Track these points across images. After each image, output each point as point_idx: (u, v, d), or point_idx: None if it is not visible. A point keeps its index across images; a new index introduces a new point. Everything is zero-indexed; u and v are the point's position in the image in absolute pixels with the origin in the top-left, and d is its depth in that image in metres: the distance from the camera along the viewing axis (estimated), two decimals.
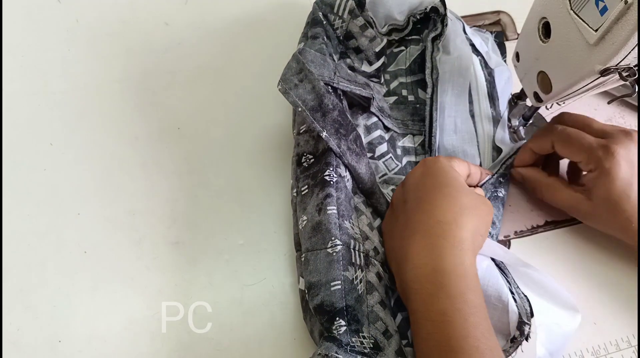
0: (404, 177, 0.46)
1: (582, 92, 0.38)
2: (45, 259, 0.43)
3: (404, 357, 0.37)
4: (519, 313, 0.37)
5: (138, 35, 0.54)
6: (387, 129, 0.48)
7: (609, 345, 0.42)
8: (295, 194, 0.43)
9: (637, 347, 0.42)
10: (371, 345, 0.36)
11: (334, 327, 0.35)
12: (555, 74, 0.38)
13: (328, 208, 0.39)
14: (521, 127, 0.49)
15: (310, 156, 0.43)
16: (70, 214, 0.45)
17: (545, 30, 0.38)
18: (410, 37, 0.52)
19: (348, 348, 0.35)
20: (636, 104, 0.53)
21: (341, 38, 0.48)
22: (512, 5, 0.57)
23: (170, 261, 0.43)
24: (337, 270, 0.37)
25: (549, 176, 0.45)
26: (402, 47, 0.52)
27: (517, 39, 0.55)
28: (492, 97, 0.49)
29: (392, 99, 0.51)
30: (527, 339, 0.36)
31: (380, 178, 0.46)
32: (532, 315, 0.37)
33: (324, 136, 0.40)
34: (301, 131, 0.44)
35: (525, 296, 0.38)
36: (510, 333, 0.37)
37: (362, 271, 0.38)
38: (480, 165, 0.47)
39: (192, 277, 0.43)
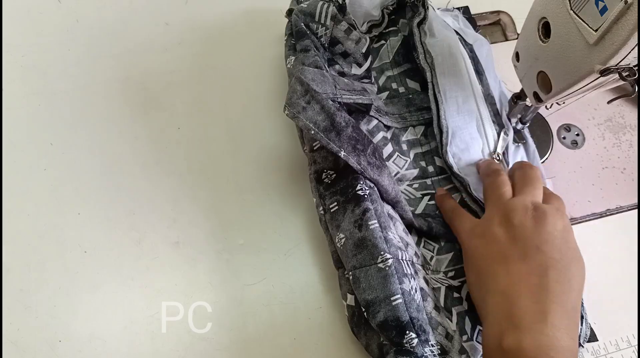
0: (415, 171, 0.47)
1: (582, 92, 0.38)
2: (45, 259, 0.43)
3: (466, 352, 0.38)
4: (579, 335, 0.39)
5: (138, 35, 0.54)
6: (387, 127, 0.48)
7: (609, 345, 0.42)
8: (322, 212, 0.42)
9: (637, 347, 0.42)
10: (439, 352, 0.36)
11: (404, 341, 0.35)
12: (555, 74, 0.38)
13: (369, 222, 0.39)
14: (526, 129, 0.49)
15: (332, 172, 0.42)
16: (70, 214, 0.45)
17: (545, 30, 0.38)
18: (387, 30, 0.52)
19: None
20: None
21: (326, 45, 0.47)
22: (512, 5, 0.57)
23: (170, 261, 0.43)
24: (394, 284, 0.37)
25: None
26: (382, 41, 0.53)
27: (517, 39, 0.55)
28: (478, 72, 0.49)
29: (384, 94, 0.51)
30: None
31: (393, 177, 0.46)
32: (590, 340, 0.40)
33: (342, 156, 0.39)
34: (315, 148, 0.43)
35: (589, 323, 0.41)
36: None
37: (413, 279, 0.38)
38: (481, 145, 0.47)
39: (192, 277, 0.43)
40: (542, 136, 0.51)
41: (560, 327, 0.34)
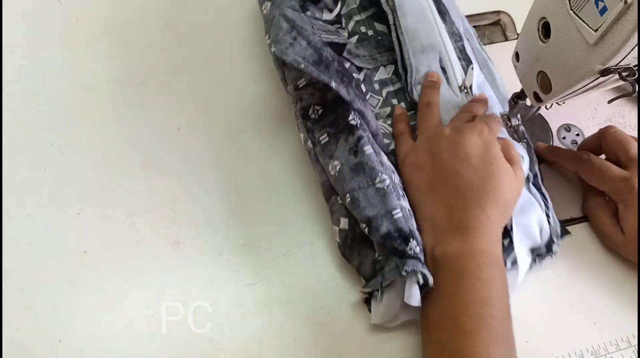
0: (388, 109, 0.50)
1: (582, 92, 0.38)
2: (45, 259, 0.43)
3: None
4: (550, 234, 0.44)
5: (138, 35, 0.54)
6: (359, 69, 0.51)
7: (609, 345, 0.42)
8: (311, 146, 0.44)
9: (637, 347, 0.42)
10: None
11: (409, 248, 0.39)
12: (555, 74, 0.38)
13: (365, 148, 0.42)
14: (522, 127, 0.49)
15: (319, 107, 0.44)
16: (70, 214, 0.45)
17: (545, 30, 0.38)
18: None
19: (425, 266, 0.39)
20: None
21: None
22: (512, 5, 0.57)
23: (170, 261, 0.43)
24: (394, 200, 0.40)
25: (601, 198, 0.46)
26: None
27: (517, 39, 0.55)
28: (441, 12, 0.51)
29: (354, 38, 0.53)
30: (552, 255, 0.44)
31: None
32: (563, 235, 0.44)
33: (334, 87, 0.41)
34: (300, 86, 0.45)
35: (560, 221, 0.45)
36: (540, 248, 0.44)
37: (404, 200, 0.42)
38: (448, 81, 0.49)
39: (192, 277, 0.43)
40: (542, 136, 0.51)
41: (476, 235, 0.39)
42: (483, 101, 0.48)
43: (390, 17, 0.51)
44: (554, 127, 0.52)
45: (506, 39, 0.57)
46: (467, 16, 0.56)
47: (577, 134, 0.52)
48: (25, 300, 0.42)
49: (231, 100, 0.51)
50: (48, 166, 0.47)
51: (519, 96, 0.46)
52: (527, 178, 0.46)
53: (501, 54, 0.54)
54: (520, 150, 0.45)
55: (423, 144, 0.44)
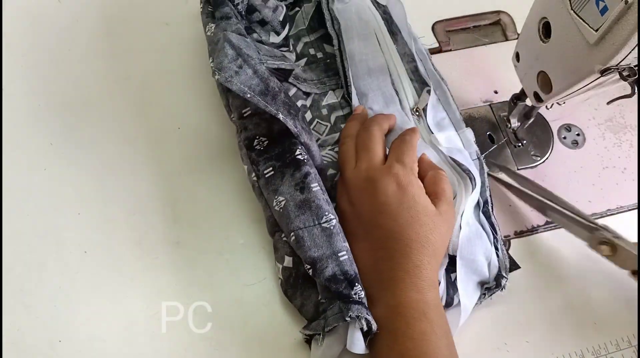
0: (336, 135, 0.48)
1: (582, 92, 0.38)
2: (45, 259, 0.43)
3: None
4: (499, 267, 0.42)
5: (138, 35, 0.54)
6: (306, 95, 0.49)
7: (609, 345, 0.42)
8: (255, 178, 0.43)
9: (637, 347, 0.42)
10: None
11: (353, 292, 0.37)
12: (556, 74, 0.38)
13: (312, 185, 0.40)
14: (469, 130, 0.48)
15: (264, 139, 0.43)
16: (70, 214, 0.45)
17: (545, 30, 0.38)
18: None
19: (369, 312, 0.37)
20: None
21: (243, 13, 0.47)
22: (512, 5, 0.57)
23: (170, 261, 0.43)
24: (340, 242, 0.39)
25: None
26: (297, 8, 0.53)
27: (517, 39, 0.55)
28: (393, 32, 0.50)
29: (303, 61, 0.51)
30: (502, 289, 0.42)
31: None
32: (511, 269, 0.42)
33: (281, 118, 0.39)
34: (245, 115, 0.43)
35: (509, 253, 0.43)
36: (489, 282, 0.42)
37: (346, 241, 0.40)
38: (400, 102, 0.48)
39: (192, 277, 0.43)
40: (543, 136, 0.51)
41: (404, 287, 0.37)
42: (387, 116, 0.46)
43: (335, 42, 0.49)
44: (554, 128, 0.52)
45: (506, 39, 0.57)
46: (467, 16, 0.56)
47: (578, 134, 0.52)
48: (25, 300, 0.42)
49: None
50: (48, 166, 0.47)
51: (518, 97, 0.46)
52: (478, 204, 0.44)
53: (501, 54, 0.54)
54: (473, 172, 0.43)
55: (342, 190, 0.43)
